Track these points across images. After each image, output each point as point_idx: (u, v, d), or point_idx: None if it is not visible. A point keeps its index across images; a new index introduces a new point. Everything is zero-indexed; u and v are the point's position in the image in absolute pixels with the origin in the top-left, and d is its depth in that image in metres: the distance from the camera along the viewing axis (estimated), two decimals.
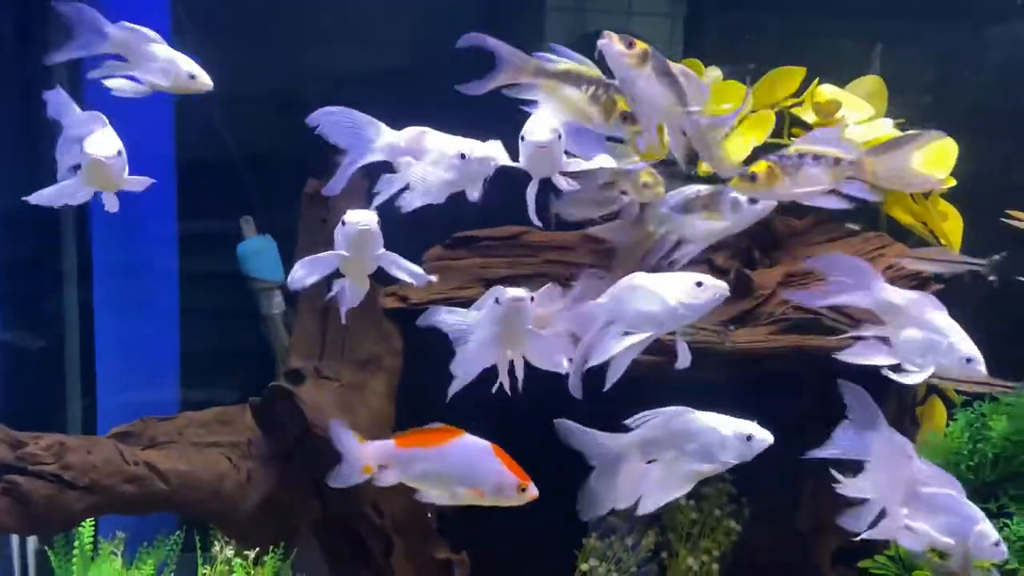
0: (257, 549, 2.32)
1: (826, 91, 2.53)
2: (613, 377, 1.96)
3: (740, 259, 2.42)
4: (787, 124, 2.59)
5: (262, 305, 2.97)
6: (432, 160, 2.05)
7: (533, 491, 1.90)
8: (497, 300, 1.95)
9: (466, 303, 2.55)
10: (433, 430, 1.97)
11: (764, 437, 1.94)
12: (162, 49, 2.22)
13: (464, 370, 2.04)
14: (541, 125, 2.06)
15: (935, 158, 2.58)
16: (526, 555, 2.64)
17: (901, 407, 2.33)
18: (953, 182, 2.55)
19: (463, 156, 2.01)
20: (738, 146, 2.46)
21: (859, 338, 2.08)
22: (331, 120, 2.06)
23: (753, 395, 2.44)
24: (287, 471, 2.28)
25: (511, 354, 2.02)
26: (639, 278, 1.95)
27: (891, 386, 2.36)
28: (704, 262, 2.44)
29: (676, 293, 1.90)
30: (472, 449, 1.92)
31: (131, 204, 2.26)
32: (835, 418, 2.50)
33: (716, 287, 1.90)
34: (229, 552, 2.32)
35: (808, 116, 2.52)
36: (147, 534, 2.71)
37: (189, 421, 2.51)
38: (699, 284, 1.89)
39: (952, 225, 2.64)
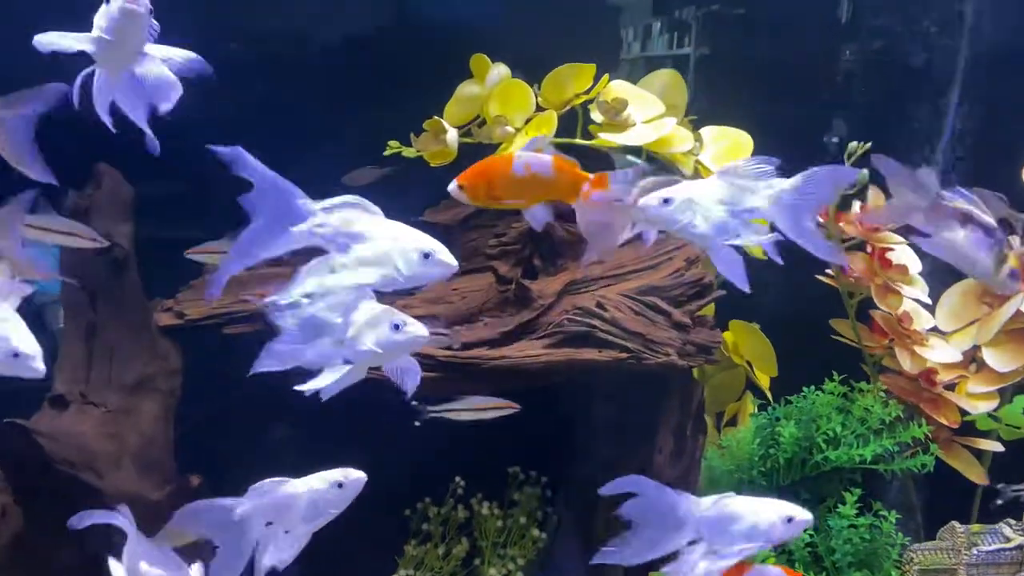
0: None
1: (615, 88, 2.53)
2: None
3: (523, 268, 2.43)
4: (581, 122, 2.60)
5: (48, 320, 2.89)
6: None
7: None
8: (397, 327, 1.87)
9: (247, 317, 2.56)
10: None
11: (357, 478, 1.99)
12: None
13: (334, 385, 1.95)
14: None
15: (730, 153, 2.62)
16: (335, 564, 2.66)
17: (684, 413, 2.38)
18: None
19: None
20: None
21: None
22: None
23: (547, 405, 2.51)
24: (36, 508, 2.23)
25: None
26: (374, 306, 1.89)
27: (672, 392, 2.44)
28: (487, 271, 2.48)
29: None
30: None
31: None
32: (624, 429, 2.59)
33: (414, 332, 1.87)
34: None
35: (598, 115, 2.52)
36: None
37: None
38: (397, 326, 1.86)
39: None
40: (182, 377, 2.49)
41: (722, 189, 1.86)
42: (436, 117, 2.54)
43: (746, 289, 1.89)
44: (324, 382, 1.91)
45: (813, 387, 2.53)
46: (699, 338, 2.32)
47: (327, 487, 2.00)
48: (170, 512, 2.42)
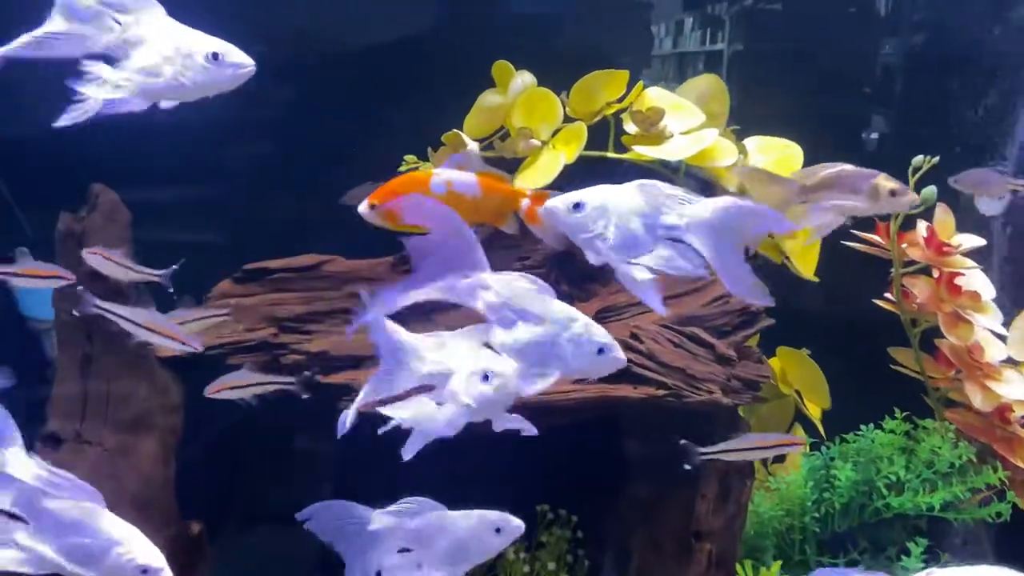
0: None
1: (650, 96, 2.32)
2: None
3: None
4: (612, 133, 2.40)
5: (47, 348, 2.75)
6: None
7: None
8: (486, 378, 1.68)
9: (254, 347, 2.40)
10: None
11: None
12: None
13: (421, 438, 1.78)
14: None
15: (778, 166, 2.41)
16: None
17: (728, 463, 2.16)
18: None
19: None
20: (547, 164, 2.26)
21: None
22: None
23: (578, 440, 2.32)
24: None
25: None
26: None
27: (716, 431, 2.22)
28: None
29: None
30: None
31: None
32: (663, 471, 2.39)
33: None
34: None
35: (631, 126, 2.32)
36: None
37: None
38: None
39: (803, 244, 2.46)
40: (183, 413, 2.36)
41: (640, 200, 1.64)
42: (455, 130, 2.36)
43: (662, 312, 1.67)
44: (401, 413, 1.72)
45: (872, 424, 2.33)
46: (745, 372, 2.11)
47: (484, 528, 1.80)
48: (170, 559, 2.30)
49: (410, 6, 2.84)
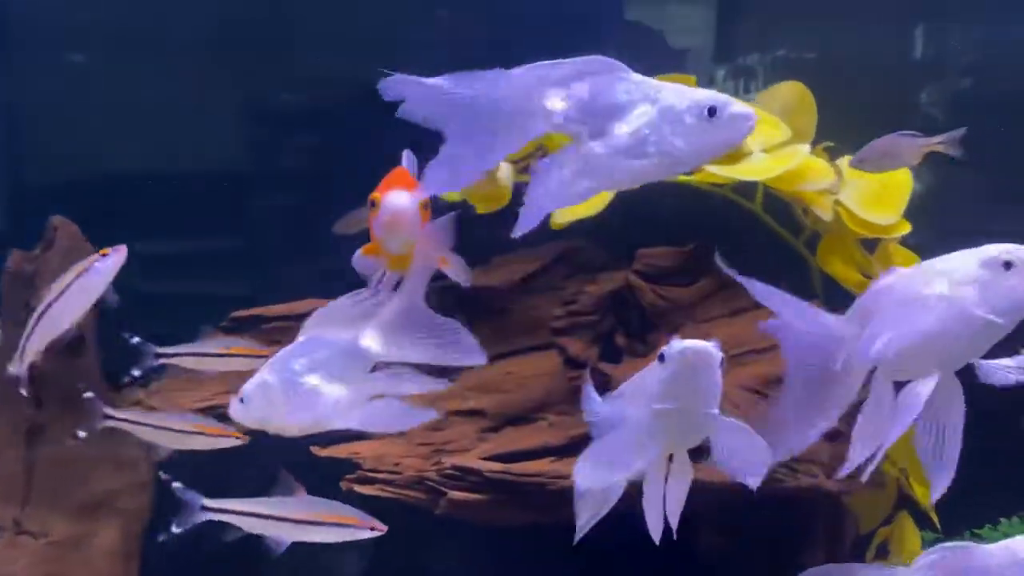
0: None
1: None
2: None
3: (600, 346, 1.89)
4: None
5: None
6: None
7: None
8: (662, 358, 1.30)
9: None
10: None
11: None
12: None
13: (601, 476, 1.43)
14: None
15: (882, 194, 2.04)
16: None
17: (833, 555, 1.81)
18: (908, 227, 2.02)
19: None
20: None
21: None
22: None
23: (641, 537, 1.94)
24: None
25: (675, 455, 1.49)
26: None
27: (817, 525, 1.88)
28: (552, 347, 1.96)
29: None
30: None
31: None
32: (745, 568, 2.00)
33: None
34: None
35: None
36: None
37: None
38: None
39: None
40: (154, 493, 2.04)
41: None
42: None
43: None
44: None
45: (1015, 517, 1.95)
46: None
47: None
48: None
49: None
